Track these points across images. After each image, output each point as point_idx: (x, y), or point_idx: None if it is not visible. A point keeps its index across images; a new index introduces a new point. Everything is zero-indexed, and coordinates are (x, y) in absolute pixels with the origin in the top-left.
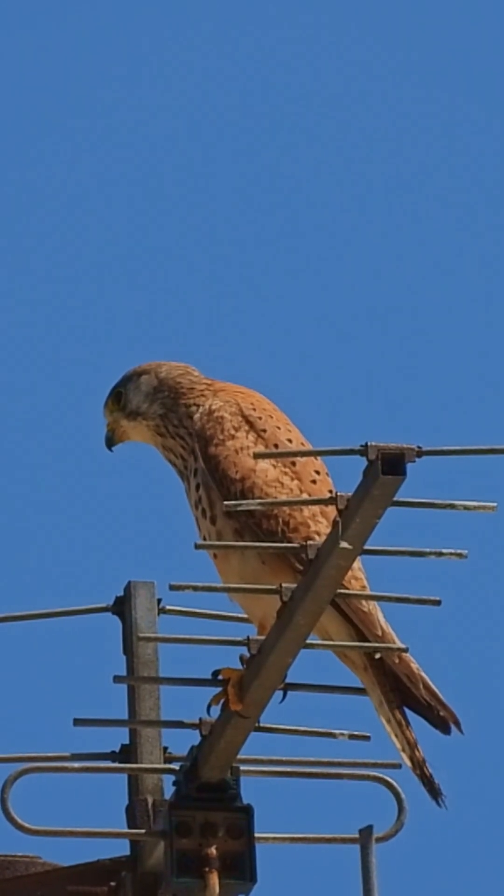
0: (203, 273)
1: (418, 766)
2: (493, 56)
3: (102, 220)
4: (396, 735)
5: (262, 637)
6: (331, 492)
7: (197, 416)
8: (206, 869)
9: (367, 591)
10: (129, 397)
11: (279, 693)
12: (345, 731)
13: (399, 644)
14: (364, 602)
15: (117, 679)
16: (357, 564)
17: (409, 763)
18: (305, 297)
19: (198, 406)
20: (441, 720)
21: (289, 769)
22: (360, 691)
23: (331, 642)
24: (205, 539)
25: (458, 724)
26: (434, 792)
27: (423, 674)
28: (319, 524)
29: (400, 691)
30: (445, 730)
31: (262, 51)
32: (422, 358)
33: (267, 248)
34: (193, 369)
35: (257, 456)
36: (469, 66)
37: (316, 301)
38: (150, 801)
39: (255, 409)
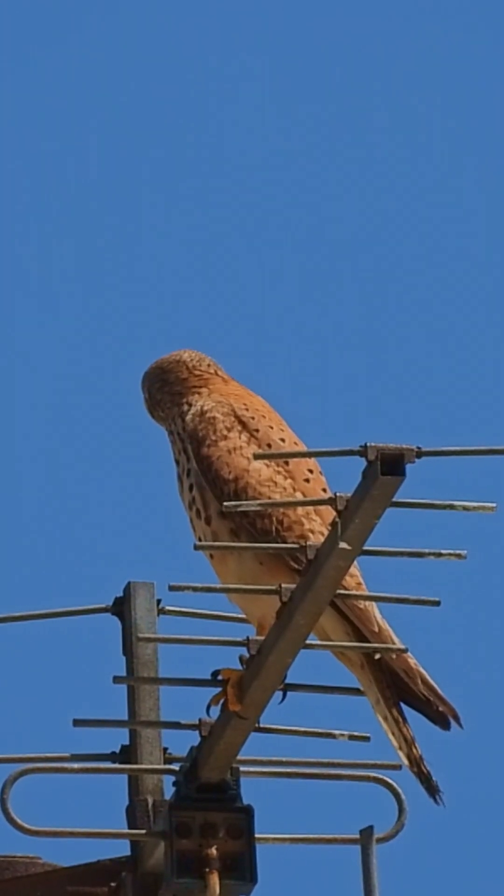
0: (203, 273)
1: (415, 763)
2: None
3: (103, 220)
4: (393, 732)
5: (262, 637)
6: (325, 490)
7: (189, 416)
8: (207, 869)
9: (364, 588)
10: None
11: (279, 693)
12: (344, 732)
13: (398, 643)
14: None
15: (117, 679)
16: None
17: (405, 760)
18: (305, 297)
19: (190, 405)
20: (440, 715)
21: (289, 770)
22: (359, 692)
23: (330, 642)
24: (200, 540)
25: (457, 719)
26: (431, 789)
27: (421, 669)
28: (313, 522)
29: (398, 687)
30: (444, 725)
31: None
32: (422, 358)
33: (267, 248)
34: (190, 359)
35: (257, 457)
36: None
37: (316, 301)
38: (150, 801)
39: (247, 410)
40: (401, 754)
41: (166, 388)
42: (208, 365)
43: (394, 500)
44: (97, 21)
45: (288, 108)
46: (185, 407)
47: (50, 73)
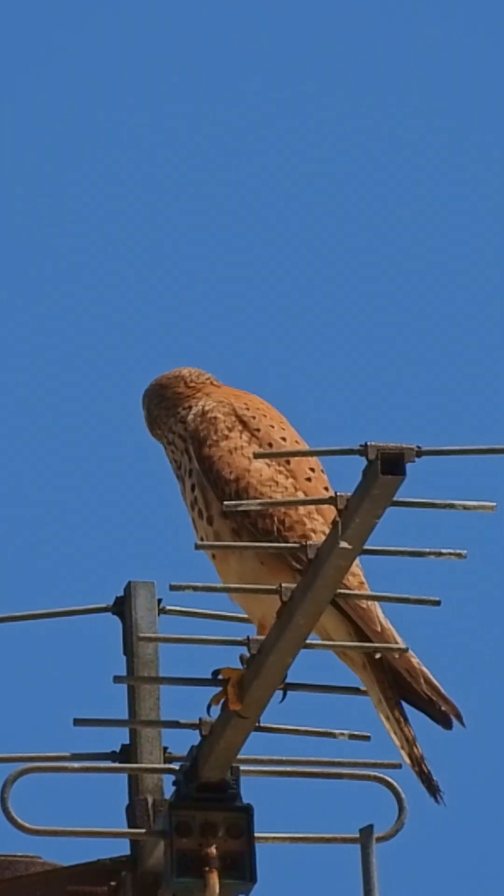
0: (203, 273)
1: (417, 762)
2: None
3: (103, 224)
4: (395, 732)
5: (262, 637)
6: (326, 489)
7: (190, 417)
8: (206, 869)
9: (366, 587)
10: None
11: (279, 693)
12: (345, 731)
13: (400, 642)
14: None
15: (117, 679)
16: (354, 561)
17: (407, 760)
18: (305, 297)
19: (188, 407)
20: (442, 715)
21: (289, 769)
22: (359, 692)
23: (331, 642)
24: (202, 539)
25: (459, 718)
26: (432, 789)
27: (423, 668)
28: (315, 521)
29: (400, 686)
30: (447, 724)
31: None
32: (422, 358)
33: (266, 247)
34: (189, 374)
35: (257, 456)
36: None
37: (316, 301)
38: (150, 800)
39: (248, 409)
40: (403, 753)
41: (163, 404)
42: (207, 378)
43: (394, 499)
44: (96, 20)
45: (281, 113)
46: (184, 411)
47: (49, 72)
